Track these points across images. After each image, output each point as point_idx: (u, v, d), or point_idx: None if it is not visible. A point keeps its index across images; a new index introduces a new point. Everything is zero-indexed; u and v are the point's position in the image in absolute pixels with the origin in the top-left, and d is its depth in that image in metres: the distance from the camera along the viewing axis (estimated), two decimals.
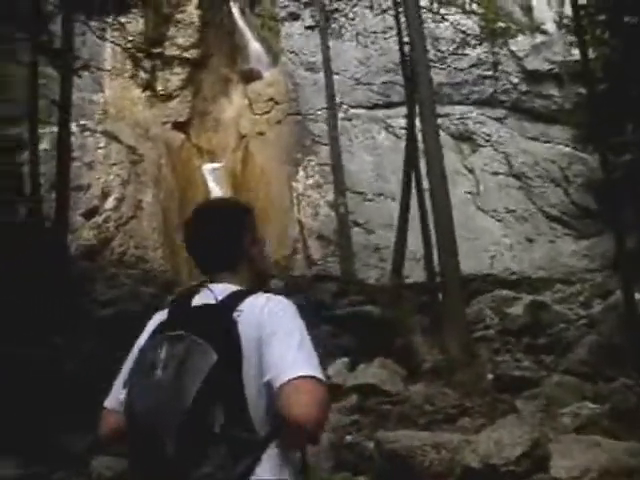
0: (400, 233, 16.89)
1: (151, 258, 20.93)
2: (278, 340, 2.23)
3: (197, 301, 2.43)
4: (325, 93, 20.45)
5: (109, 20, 16.47)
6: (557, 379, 9.29)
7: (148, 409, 2.18)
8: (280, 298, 2.43)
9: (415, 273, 18.87)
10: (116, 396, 2.46)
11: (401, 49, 17.91)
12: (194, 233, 2.62)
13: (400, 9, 18.75)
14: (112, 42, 18.80)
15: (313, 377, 2.16)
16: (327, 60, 19.89)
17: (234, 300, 2.36)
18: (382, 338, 13.96)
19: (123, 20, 17.55)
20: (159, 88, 23.80)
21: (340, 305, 15.41)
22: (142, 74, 23.16)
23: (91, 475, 6.93)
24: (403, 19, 19.95)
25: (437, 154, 12.38)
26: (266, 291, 2.46)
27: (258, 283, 2.58)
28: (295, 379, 2.13)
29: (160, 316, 2.48)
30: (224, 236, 2.58)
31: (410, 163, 16.95)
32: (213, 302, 2.36)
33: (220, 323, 2.27)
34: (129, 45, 18.78)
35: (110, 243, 20.51)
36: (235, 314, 2.30)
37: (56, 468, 7.36)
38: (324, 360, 12.42)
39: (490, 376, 10.82)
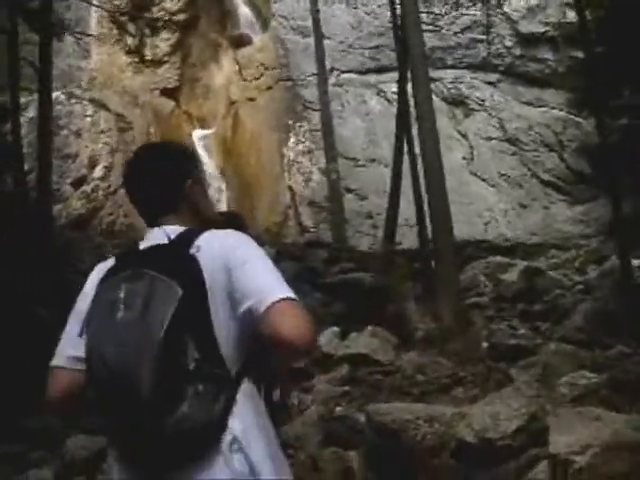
0: (392, 199, 16.50)
1: (141, 226, 20.37)
2: (251, 267, 2.19)
3: (146, 244, 2.37)
4: (316, 61, 19.87)
5: None
6: (553, 347, 8.96)
7: (116, 352, 2.07)
8: (238, 232, 2.38)
9: (408, 240, 18.52)
10: (63, 353, 2.35)
11: (392, 11, 17.40)
12: (135, 172, 2.55)
13: None
14: (96, 5, 18.18)
15: (294, 299, 2.13)
16: (317, 24, 19.31)
17: (188, 237, 2.30)
18: (373, 306, 13.64)
19: None
20: (147, 54, 23.24)
21: (331, 272, 15.10)
22: (129, 40, 22.66)
23: (64, 456, 6.62)
24: None
25: (430, 118, 12.00)
26: None
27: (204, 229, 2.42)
28: (278, 302, 2.09)
29: (105, 265, 2.40)
30: (165, 175, 2.50)
31: (402, 128, 16.55)
32: (165, 242, 2.31)
33: (179, 259, 2.20)
34: (114, 9, 18.21)
35: (99, 212, 20.11)
36: (192, 250, 2.23)
37: (32, 448, 7.06)
38: (316, 329, 12.13)
39: (485, 344, 10.50)
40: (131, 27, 22.51)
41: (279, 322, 2.07)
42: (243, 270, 2.17)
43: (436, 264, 12.69)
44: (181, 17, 23.73)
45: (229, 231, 2.37)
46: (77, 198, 19.82)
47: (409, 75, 16.17)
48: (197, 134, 23.34)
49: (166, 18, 23.29)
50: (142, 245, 2.38)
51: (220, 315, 2.15)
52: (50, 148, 13.61)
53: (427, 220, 15.46)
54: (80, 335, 2.25)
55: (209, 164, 22.72)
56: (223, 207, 22.02)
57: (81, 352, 2.23)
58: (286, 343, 2.07)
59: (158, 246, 2.30)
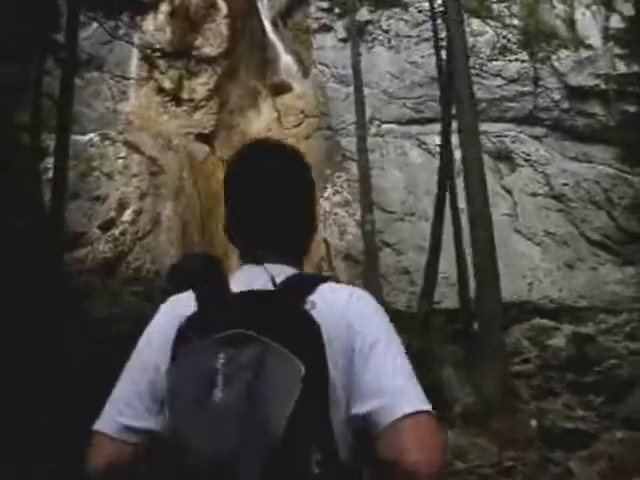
0: (432, 255, 15.14)
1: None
2: (382, 354, 1.70)
3: (241, 286, 1.80)
4: (355, 110, 18.72)
5: (125, 20, 14.98)
6: (620, 435, 7.45)
7: (212, 448, 1.48)
8: (365, 293, 1.85)
9: (447, 299, 17.21)
10: (113, 418, 1.79)
11: (438, 60, 16.28)
12: (258, 181, 1.97)
13: (438, 21, 17.26)
14: (127, 42, 17.33)
15: (429, 412, 1.66)
16: (357, 71, 18.19)
17: (301, 286, 1.78)
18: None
19: (144, 23, 16.12)
20: (184, 98, 22.32)
21: None
22: (167, 83, 21.78)
23: None
24: (441, 30, 18.62)
25: (478, 171, 10.74)
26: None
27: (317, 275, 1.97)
28: (412, 415, 1.62)
29: (180, 308, 1.80)
30: (302, 195, 2.01)
31: (444, 181, 15.26)
32: (270, 288, 1.76)
33: (295, 320, 1.63)
34: (153, 51, 17.38)
35: (126, 257, 19.01)
36: (307, 305, 1.69)
37: None
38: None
39: (534, 423, 8.99)
40: (170, 70, 21.64)
41: (407, 445, 1.58)
42: (372, 355, 1.69)
43: (480, 326, 11.20)
44: (221, 63, 22.82)
45: (354, 289, 1.83)
46: (105, 241, 18.77)
47: (453, 126, 15.13)
48: None
49: (206, 63, 22.39)
50: (235, 287, 1.80)
51: (339, 403, 1.65)
52: (64, 190, 12.48)
53: (470, 278, 14.20)
54: (150, 410, 1.73)
55: None
56: None
57: (137, 422, 1.74)
58: (409, 473, 1.56)
59: (262, 295, 1.74)
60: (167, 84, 22.13)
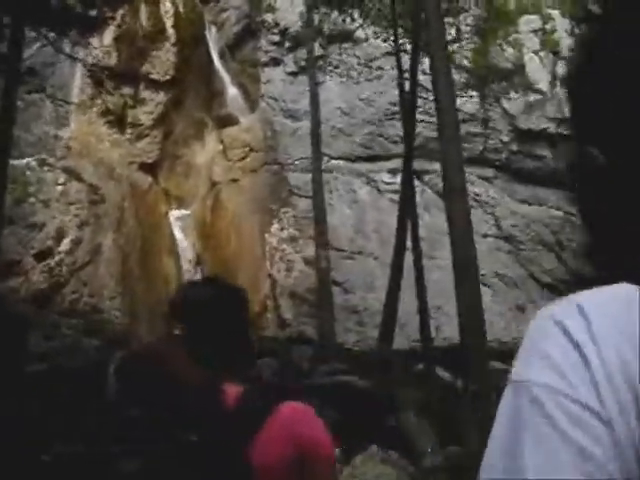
0: (390, 295, 14.44)
1: (106, 308, 18.27)
2: None
3: None
4: (310, 141, 18.08)
5: (73, 36, 14.06)
6: None
7: None
8: None
9: (400, 339, 16.56)
10: None
11: (401, 93, 15.77)
12: None
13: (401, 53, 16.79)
14: (75, 58, 16.36)
15: None
16: (315, 107, 17.57)
17: None
18: (370, 415, 11.51)
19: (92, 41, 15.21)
20: (128, 127, 21.34)
21: (318, 373, 12.90)
22: (111, 110, 20.80)
23: None
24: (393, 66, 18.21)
25: (464, 209, 10.10)
26: None
27: None
28: None
29: None
30: None
31: (405, 220, 14.64)
32: None
33: None
34: (101, 70, 16.44)
35: (62, 289, 17.83)
36: None
37: None
38: None
39: None
40: (115, 94, 20.69)
41: None
42: None
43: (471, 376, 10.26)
44: (167, 92, 21.94)
45: None
46: (40, 271, 17.57)
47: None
48: (174, 214, 21.30)
49: (151, 91, 21.49)
50: None
51: None
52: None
53: (429, 319, 13.62)
54: None
55: (185, 246, 20.68)
56: None
57: None
58: None
59: None
60: (110, 111, 21.13)
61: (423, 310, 13.29)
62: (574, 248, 19.44)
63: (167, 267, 20.18)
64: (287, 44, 23.24)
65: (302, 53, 23.32)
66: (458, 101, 21.64)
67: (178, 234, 20.74)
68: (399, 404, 12.07)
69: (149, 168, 21.56)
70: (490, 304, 19.16)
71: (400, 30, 18.30)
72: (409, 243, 15.31)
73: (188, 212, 21.43)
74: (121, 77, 21.08)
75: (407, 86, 15.53)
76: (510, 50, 21.94)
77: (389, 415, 11.76)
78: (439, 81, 10.30)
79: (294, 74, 23.08)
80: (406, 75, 16.12)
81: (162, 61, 21.68)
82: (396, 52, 16.44)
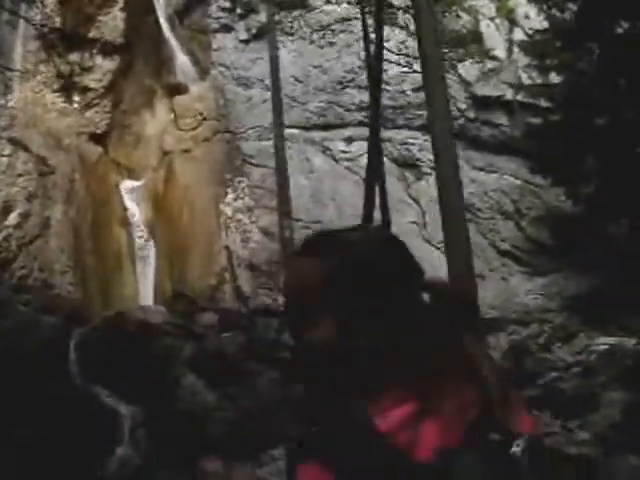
0: None
1: (58, 283, 17.52)
2: None
3: None
4: (272, 107, 17.54)
5: None
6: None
7: None
8: None
9: None
10: None
11: (367, 56, 15.30)
12: None
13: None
14: (25, 18, 15.48)
15: None
16: (275, 72, 16.99)
17: None
18: None
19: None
20: (76, 95, 20.44)
21: (286, 345, 12.48)
22: (57, 78, 19.87)
23: None
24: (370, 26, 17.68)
25: (455, 183, 9.76)
26: None
27: None
28: None
29: None
30: None
31: (372, 188, 14.25)
32: None
33: None
34: (50, 31, 15.59)
35: (11, 265, 17.01)
36: None
37: None
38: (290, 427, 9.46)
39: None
40: (62, 65, 19.75)
41: None
42: None
43: None
44: (115, 59, 21.06)
45: None
46: None
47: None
48: (125, 185, 20.54)
49: (99, 59, 20.58)
50: None
51: None
52: None
53: None
54: None
55: (137, 218, 19.96)
56: (150, 268, 19.25)
57: None
58: None
59: None
60: (56, 80, 20.18)
61: None
62: (533, 216, 19.30)
63: (119, 240, 19.49)
64: (238, 10, 22.50)
65: (254, 20, 22.67)
66: (413, 69, 21.38)
67: (130, 206, 20.02)
68: None
69: (98, 138, 20.72)
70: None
71: None
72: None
73: (139, 183, 20.69)
74: (69, 42, 20.13)
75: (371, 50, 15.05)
76: (465, 17, 21.57)
77: None
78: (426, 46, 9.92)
79: (246, 41, 22.40)
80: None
81: (110, 27, 20.75)
82: (362, 14, 15.93)
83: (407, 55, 20.80)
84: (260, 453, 9.02)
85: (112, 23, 20.82)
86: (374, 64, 15.02)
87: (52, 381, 9.61)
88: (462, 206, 9.68)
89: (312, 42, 21.85)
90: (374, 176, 14.41)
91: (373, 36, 17.16)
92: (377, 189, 14.65)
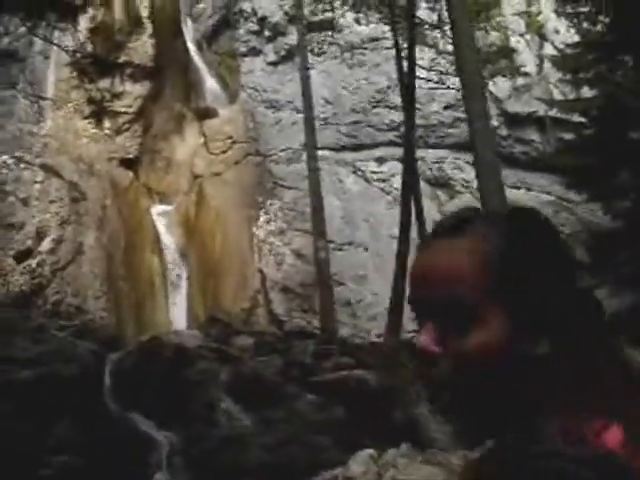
0: (397, 283, 13.72)
1: (91, 309, 17.44)
2: None
3: None
4: (304, 129, 17.44)
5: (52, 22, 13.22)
6: None
7: None
8: None
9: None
10: None
11: (400, 74, 15.11)
12: None
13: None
14: (57, 45, 15.50)
15: None
16: (308, 92, 16.88)
17: None
18: (379, 411, 10.85)
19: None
20: (106, 121, 20.46)
21: (323, 369, 12.18)
22: (88, 105, 19.91)
23: None
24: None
25: (500, 200, 9.47)
26: None
27: None
28: None
29: None
30: None
31: (408, 205, 13.99)
32: None
33: None
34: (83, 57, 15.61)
35: (44, 290, 16.95)
36: None
37: None
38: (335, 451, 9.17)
39: None
40: (93, 92, 19.79)
41: None
42: None
43: None
44: (145, 85, 21.08)
45: None
46: (20, 273, 16.67)
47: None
48: (157, 210, 20.45)
49: (129, 85, 20.60)
50: None
51: None
52: None
53: None
54: None
55: (169, 243, 19.84)
56: (183, 294, 19.09)
57: None
58: None
59: None
60: (88, 106, 20.21)
61: None
62: (567, 233, 18.88)
63: (151, 265, 19.35)
64: (266, 33, 22.47)
65: (282, 42, 22.63)
66: (444, 87, 21.16)
67: (162, 230, 19.91)
68: (410, 399, 11.43)
69: (129, 163, 20.72)
70: None
71: (385, 12, 17.76)
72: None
73: (171, 207, 20.60)
74: (99, 67, 20.18)
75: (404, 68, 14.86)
76: (495, 33, 21.33)
77: (398, 411, 11.12)
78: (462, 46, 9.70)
79: (274, 64, 22.36)
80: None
81: (139, 53, 20.80)
82: (393, 32, 15.75)
83: (440, 72, 20.59)
84: None
85: (141, 49, 20.88)
86: (407, 81, 14.79)
87: (88, 407, 9.40)
88: None
89: (342, 62, 21.73)
90: (410, 195, 14.14)
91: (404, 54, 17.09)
92: (413, 208, 14.35)
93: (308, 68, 17.05)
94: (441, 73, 21.02)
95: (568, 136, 19.71)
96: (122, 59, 20.49)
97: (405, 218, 13.98)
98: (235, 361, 11.53)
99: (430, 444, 10.19)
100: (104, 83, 20.23)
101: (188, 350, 11.44)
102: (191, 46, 23.28)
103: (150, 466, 8.93)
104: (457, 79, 21.14)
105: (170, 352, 11.02)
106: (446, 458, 8.21)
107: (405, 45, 15.95)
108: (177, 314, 18.55)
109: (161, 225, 20.07)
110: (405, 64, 15.00)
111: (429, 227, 17.60)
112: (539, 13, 21.31)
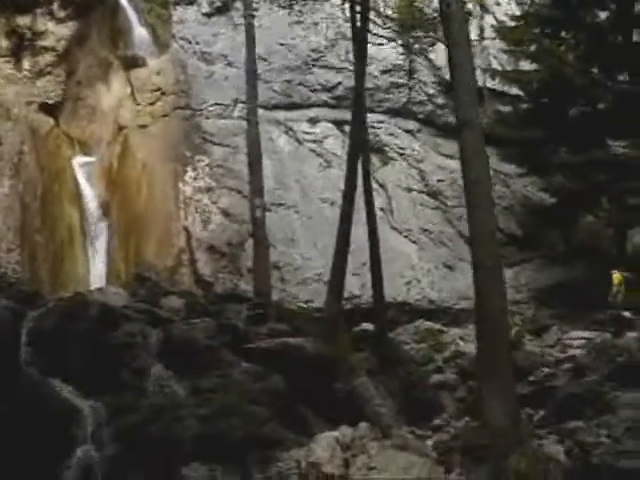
0: (340, 247, 12.83)
1: (4, 262, 15.98)
2: None
3: None
4: (246, 80, 16.28)
5: None
6: None
7: None
8: None
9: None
10: None
11: (353, 27, 14.12)
12: None
13: None
14: None
15: None
16: (251, 43, 15.74)
17: None
18: (318, 381, 10.06)
19: None
20: (26, 62, 18.75)
21: (258, 335, 11.26)
22: (6, 41, 18.19)
23: None
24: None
25: (483, 167, 8.72)
26: None
27: None
28: None
29: None
30: None
31: (353, 171, 13.10)
32: None
33: None
34: None
35: None
36: None
37: None
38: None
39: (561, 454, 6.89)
40: (10, 26, 18.08)
41: None
42: None
43: (481, 337, 8.41)
44: (70, 26, 19.39)
45: None
46: None
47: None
48: (78, 160, 18.94)
49: (52, 26, 18.92)
50: None
51: None
52: None
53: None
54: None
55: (90, 195, 18.43)
56: (103, 249, 17.75)
57: None
58: None
59: None
60: (4, 44, 18.48)
61: (375, 268, 11.87)
62: (503, 206, 18.42)
63: (70, 217, 17.93)
64: None
65: None
66: (383, 51, 20.29)
67: (82, 181, 18.48)
68: (350, 369, 10.66)
69: (50, 109, 19.08)
70: (417, 261, 18.02)
71: None
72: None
73: (93, 159, 19.14)
74: (19, 10, 18.44)
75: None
76: (435, 1, 20.52)
77: (339, 382, 10.34)
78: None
79: (208, 15, 21.00)
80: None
81: None
82: None
83: (378, 36, 19.67)
84: (245, 456, 7.84)
85: None
86: (359, 37, 13.80)
87: (1, 372, 8.23)
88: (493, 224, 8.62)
89: (279, 19, 20.56)
90: (356, 159, 13.23)
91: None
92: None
93: (253, 16, 15.79)
94: (378, 38, 20.18)
95: (505, 108, 19.22)
96: None
97: (351, 182, 13.09)
98: (165, 324, 10.50)
99: (377, 419, 9.47)
100: (24, 19, 18.48)
101: (114, 310, 10.34)
102: None
103: (73, 438, 7.89)
104: (396, 43, 20.54)
105: (95, 311, 9.89)
106: (417, 444, 7.46)
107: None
108: (96, 270, 17.27)
109: (82, 176, 18.63)
110: (358, 18, 13.96)
111: (359, 194, 16.85)
112: None
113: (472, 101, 8.89)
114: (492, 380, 7.65)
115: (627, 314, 15.02)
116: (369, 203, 13.19)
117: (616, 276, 15.42)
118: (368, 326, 13.24)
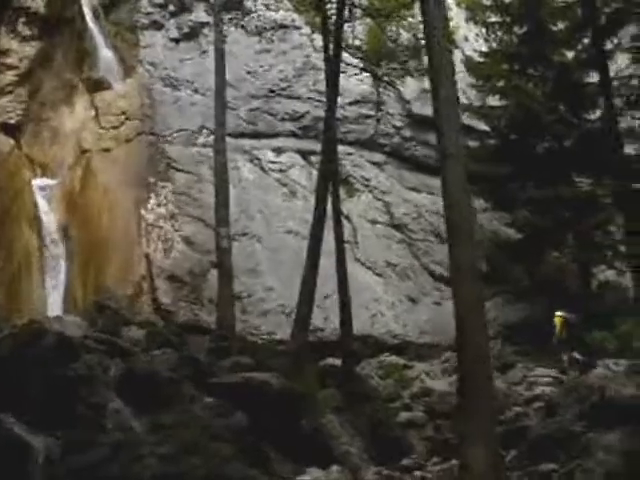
0: (308, 279, 12.47)
1: None
2: None
3: None
4: (215, 106, 15.93)
5: None
6: None
7: None
8: None
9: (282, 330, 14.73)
10: None
11: (326, 54, 13.91)
12: None
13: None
14: None
15: None
16: (221, 69, 15.42)
17: None
18: (283, 418, 9.64)
19: None
20: None
21: (221, 368, 10.81)
22: None
23: None
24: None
25: (465, 200, 8.43)
26: None
27: None
28: None
29: None
30: None
31: (322, 201, 12.81)
32: None
33: None
34: None
35: None
36: None
37: None
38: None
39: None
40: None
41: None
42: None
43: (465, 373, 8.05)
44: (34, 46, 18.94)
45: None
46: None
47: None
48: (38, 183, 18.39)
49: (16, 44, 18.46)
50: None
51: None
52: None
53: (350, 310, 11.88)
54: None
55: (49, 219, 17.86)
56: (61, 275, 17.14)
57: None
58: None
59: None
60: None
61: (345, 300, 11.53)
62: None
63: (28, 240, 17.32)
64: (171, 7, 20.79)
65: (186, 18, 21.05)
66: (351, 82, 20.13)
67: (42, 205, 17.91)
68: (317, 406, 10.25)
69: (11, 130, 18.53)
70: (381, 294, 17.73)
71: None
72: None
73: (54, 182, 18.59)
74: None
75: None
76: (405, 34, 20.47)
77: (305, 419, 9.92)
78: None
79: (176, 40, 20.74)
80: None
81: (30, 11, 18.64)
82: (321, 13, 14.51)
83: (347, 67, 19.52)
84: None
85: (33, 7, 18.70)
86: (332, 66, 13.59)
87: None
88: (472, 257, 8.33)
89: (247, 47, 20.33)
90: (326, 190, 12.94)
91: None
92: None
93: (224, 42, 15.50)
94: (348, 68, 20.02)
95: (473, 143, 19.15)
96: (8, 14, 18.20)
97: (320, 213, 12.78)
98: (125, 355, 10.00)
99: (345, 459, 9.08)
100: None
101: (72, 340, 9.81)
102: (87, 11, 21.21)
103: (23, 476, 7.36)
104: (364, 75, 20.40)
105: (51, 341, 9.36)
106: None
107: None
108: (53, 296, 16.66)
109: (41, 199, 18.07)
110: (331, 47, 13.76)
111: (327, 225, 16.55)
112: (450, 19, 20.60)
113: (456, 132, 8.58)
114: (474, 422, 7.31)
115: (577, 355, 14.86)
116: (338, 234, 12.86)
117: (557, 318, 15.36)
118: (334, 361, 12.90)
